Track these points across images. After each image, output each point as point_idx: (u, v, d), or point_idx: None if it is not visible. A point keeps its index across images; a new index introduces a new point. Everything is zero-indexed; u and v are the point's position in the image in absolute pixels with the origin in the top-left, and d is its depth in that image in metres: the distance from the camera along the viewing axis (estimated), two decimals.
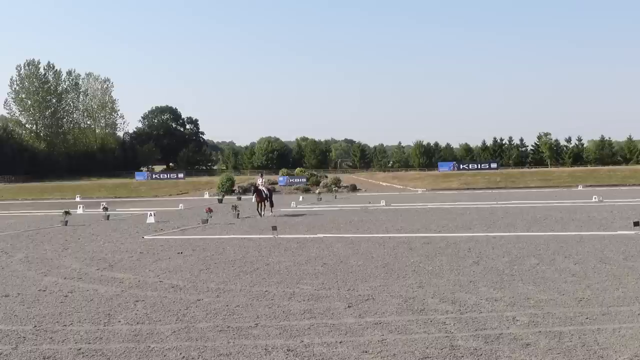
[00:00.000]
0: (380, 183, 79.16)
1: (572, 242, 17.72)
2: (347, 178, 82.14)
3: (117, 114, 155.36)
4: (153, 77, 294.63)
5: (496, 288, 11.26)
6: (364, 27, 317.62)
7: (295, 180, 75.62)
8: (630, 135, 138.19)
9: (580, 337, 8.01)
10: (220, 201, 50.36)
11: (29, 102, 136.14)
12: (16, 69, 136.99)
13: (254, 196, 33.11)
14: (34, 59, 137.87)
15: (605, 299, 10.12)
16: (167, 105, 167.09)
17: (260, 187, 32.61)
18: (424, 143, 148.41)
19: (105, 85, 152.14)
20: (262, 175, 36.56)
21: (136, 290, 12.02)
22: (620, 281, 11.61)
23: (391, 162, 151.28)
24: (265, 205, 32.34)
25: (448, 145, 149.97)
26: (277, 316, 9.56)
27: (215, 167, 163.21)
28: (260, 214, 31.50)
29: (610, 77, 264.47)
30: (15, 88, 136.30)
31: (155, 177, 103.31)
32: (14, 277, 14.18)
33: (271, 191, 34.36)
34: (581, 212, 28.77)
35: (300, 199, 52.27)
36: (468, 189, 68.40)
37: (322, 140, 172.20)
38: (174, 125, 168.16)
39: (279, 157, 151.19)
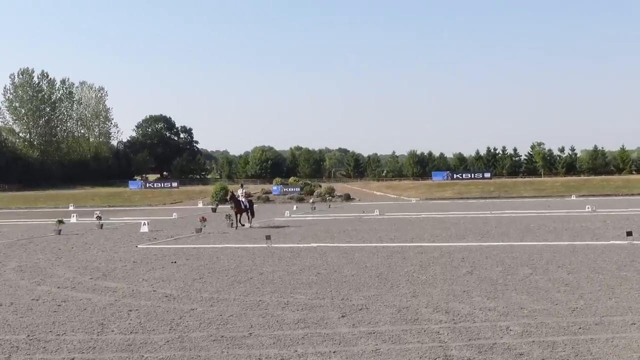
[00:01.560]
0: (374, 192, 79.25)
1: (565, 251, 17.77)
2: (341, 187, 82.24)
3: (111, 123, 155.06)
4: (147, 86, 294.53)
5: (490, 298, 11.29)
6: (359, 38, 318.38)
7: (289, 189, 75.73)
8: (623, 145, 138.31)
9: (573, 346, 8.02)
10: (214, 210, 50.33)
11: (23, 110, 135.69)
12: (10, 77, 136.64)
13: (231, 206, 31.33)
14: (27, 68, 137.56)
15: (599, 309, 10.15)
16: (161, 115, 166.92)
17: (240, 198, 31.46)
18: (418, 152, 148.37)
19: (99, 94, 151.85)
20: (242, 186, 35.76)
21: (130, 300, 12.00)
22: (613, 291, 11.64)
23: (385, 172, 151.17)
24: (247, 216, 31.55)
25: (442, 154, 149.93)
26: (270, 326, 9.56)
27: (209, 176, 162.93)
28: (236, 225, 30.34)
29: (603, 87, 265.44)
30: (8, 97, 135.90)
31: (149, 186, 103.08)
32: (6, 286, 14.14)
33: (251, 202, 33.41)
34: (574, 222, 28.85)
35: (294, 208, 52.30)
36: (462, 198, 68.54)
37: (316, 149, 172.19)
38: (167, 134, 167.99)
39: (273, 166, 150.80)
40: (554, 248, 18.75)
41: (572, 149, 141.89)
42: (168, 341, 8.79)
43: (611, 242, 20.12)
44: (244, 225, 30.78)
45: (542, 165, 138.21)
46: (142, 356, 8.11)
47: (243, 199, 31.54)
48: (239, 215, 30.82)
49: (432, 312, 10.21)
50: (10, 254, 21.00)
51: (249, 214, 31.73)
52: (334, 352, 8.08)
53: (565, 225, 27.06)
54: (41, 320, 10.30)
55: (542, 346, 8.08)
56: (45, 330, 9.61)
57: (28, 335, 9.32)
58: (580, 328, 8.96)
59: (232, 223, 30.62)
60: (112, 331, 9.48)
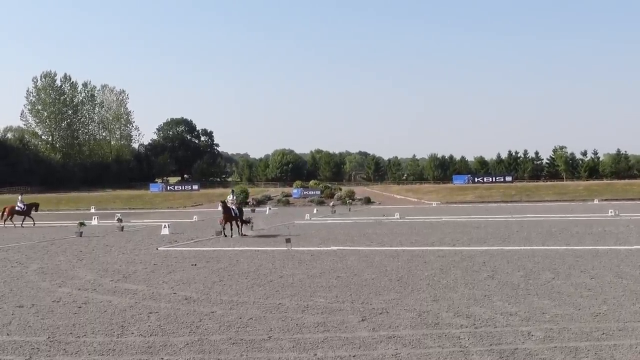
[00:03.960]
0: (395, 196, 79.01)
1: (588, 256, 17.60)
2: (361, 190, 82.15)
3: (132, 126, 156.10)
4: (168, 89, 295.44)
5: (511, 302, 11.19)
6: (380, 40, 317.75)
7: (310, 192, 75.75)
8: None
9: (596, 352, 7.92)
10: None
11: (45, 113, 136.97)
12: (32, 80, 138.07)
13: (221, 214, 28.45)
14: (50, 71, 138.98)
15: (622, 314, 10.02)
16: (182, 117, 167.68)
17: (229, 205, 28.58)
18: (439, 156, 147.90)
19: (120, 97, 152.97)
20: (233, 192, 32.68)
21: (150, 302, 12.03)
22: (637, 296, 11.50)
23: (405, 175, 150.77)
24: (237, 225, 28.53)
25: (463, 158, 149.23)
26: (290, 329, 9.54)
27: (229, 179, 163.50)
28: (224, 234, 27.65)
29: (626, 90, 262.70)
30: (31, 100, 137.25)
31: (170, 188, 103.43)
32: (28, 287, 14.24)
33: (241, 210, 29.99)
34: (597, 226, 28.59)
35: (315, 211, 52.29)
36: (483, 202, 68.18)
37: (337, 152, 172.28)
38: (188, 137, 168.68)
39: (293, 169, 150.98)
40: (576, 252, 18.58)
41: (595, 153, 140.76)
42: (188, 344, 8.79)
43: (635, 246, 19.91)
44: (227, 235, 27.55)
45: (564, 169, 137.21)
46: (162, 359, 8.12)
47: (233, 207, 28.77)
48: (227, 224, 28.07)
49: (452, 317, 10.14)
50: (32, 255, 21.17)
51: (239, 222, 28.81)
52: (353, 356, 8.04)
53: (587, 230, 26.82)
54: (62, 322, 10.35)
55: (564, 352, 7.99)
56: (65, 332, 9.66)
57: (49, 337, 9.36)
58: (603, 334, 8.85)
59: (251, 226, 30.27)
60: (132, 333, 9.50)
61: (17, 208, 39.50)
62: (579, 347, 8.17)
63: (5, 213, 39.38)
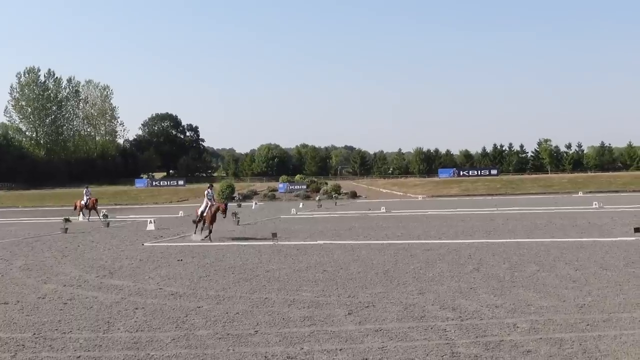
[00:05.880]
0: (381, 190, 79.14)
1: (572, 248, 17.70)
2: (347, 185, 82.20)
3: (117, 121, 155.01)
4: (153, 84, 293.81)
5: (497, 295, 11.24)
6: (364, 35, 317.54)
7: (296, 187, 75.82)
8: (630, 142, 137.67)
9: (581, 343, 7.98)
10: None
11: (29, 109, 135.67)
12: (16, 76, 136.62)
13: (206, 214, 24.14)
14: (34, 66, 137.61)
15: (607, 306, 10.09)
16: (167, 112, 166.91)
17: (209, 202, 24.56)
18: (424, 149, 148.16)
19: (104, 93, 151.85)
20: (211, 187, 26.39)
21: (136, 298, 11.99)
22: (621, 287, 11.58)
23: (391, 169, 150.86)
24: (202, 226, 24.33)
25: (448, 151, 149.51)
26: (277, 323, 9.53)
27: (215, 174, 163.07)
28: (209, 237, 23.47)
29: (610, 83, 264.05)
30: (15, 95, 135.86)
31: (156, 184, 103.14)
32: (13, 284, 14.15)
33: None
34: (581, 219, 28.76)
35: (301, 205, 52.28)
36: (468, 195, 68.45)
37: (322, 147, 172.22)
38: (174, 132, 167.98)
39: (279, 164, 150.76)
40: (561, 245, 18.69)
41: (579, 146, 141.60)
42: (174, 339, 8.77)
43: (619, 238, 20.05)
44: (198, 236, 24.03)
45: (549, 161, 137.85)
46: (148, 354, 8.09)
47: (210, 203, 24.61)
48: (209, 224, 24.01)
49: (438, 310, 10.18)
50: (16, 252, 21.03)
51: (204, 223, 24.34)
52: (340, 349, 8.05)
53: (572, 222, 26.98)
54: (47, 319, 10.30)
55: (549, 343, 8.04)
56: (51, 329, 9.61)
57: (34, 334, 9.31)
58: (588, 325, 8.91)
59: (237, 221, 30.36)
60: (118, 329, 9.47)
61: (82, 202, 40.11)
62: (564, 339, 8.22)
63: (77, 207, 40.69)
